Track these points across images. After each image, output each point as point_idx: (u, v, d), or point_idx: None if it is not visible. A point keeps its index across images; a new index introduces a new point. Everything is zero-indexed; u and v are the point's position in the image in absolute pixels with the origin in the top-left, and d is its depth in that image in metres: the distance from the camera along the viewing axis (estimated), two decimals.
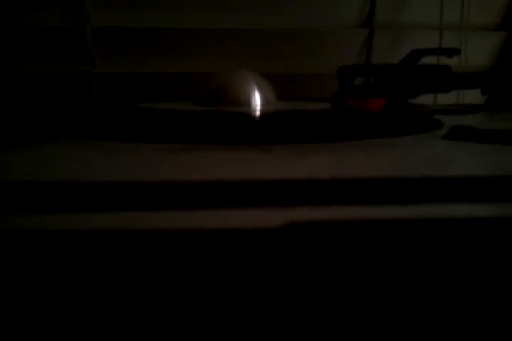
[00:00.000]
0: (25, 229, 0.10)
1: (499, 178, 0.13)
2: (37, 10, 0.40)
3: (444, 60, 0.33)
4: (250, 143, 0.18)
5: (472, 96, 0.43)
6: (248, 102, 0.27)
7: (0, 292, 0.10)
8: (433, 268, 0.10)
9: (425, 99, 0.40)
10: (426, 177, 0.13)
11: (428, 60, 0.31)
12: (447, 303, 0.11)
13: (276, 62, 0.43)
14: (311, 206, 0.11)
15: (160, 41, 0.42)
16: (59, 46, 0.41)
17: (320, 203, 0.11)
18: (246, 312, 0.10)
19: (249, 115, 0.25)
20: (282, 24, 0.43)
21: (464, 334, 0.11)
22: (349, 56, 0.44)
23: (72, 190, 0.12)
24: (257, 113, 0.26)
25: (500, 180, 0.13)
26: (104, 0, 0.41)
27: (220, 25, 0.42)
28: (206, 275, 0.10)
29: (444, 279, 0.11)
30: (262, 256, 0.10)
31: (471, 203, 0.11)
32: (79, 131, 0.22)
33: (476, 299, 0.11)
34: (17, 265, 0.10)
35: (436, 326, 0.11)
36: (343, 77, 0.28)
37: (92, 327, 0.10)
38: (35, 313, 0.10)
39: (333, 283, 0.10)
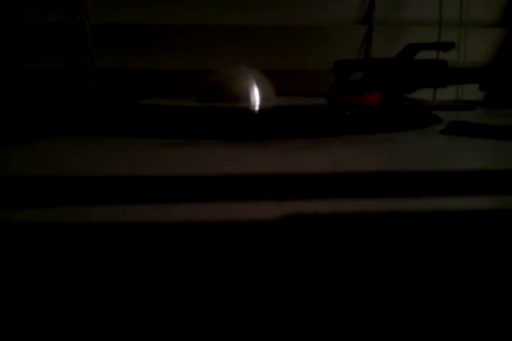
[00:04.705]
0: (25, 222, 0.10)
1: (496, 172, 0.13)
2: (36, 6, 0.40)
3: (444, 56, 0.33)
4: (249, 139, 0.18)
5: (471, 92, 0.43)
6: (247, 98, 0.27)
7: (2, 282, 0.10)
8: (429, 260, 0.11)
9: (424, 95, 0.40)
10: (423, 172, 0.13)
11: (428, 56, 0.31)
12: (444, 297, 0.11)
13: (277, 59, 0.43)
14: (308, 199, 0.11)
15: (159, 38, 0.42)
16: (58, 43, 0.41)
17: (317, 197, 0.11)
18: (243, 303, 0.10)
19: (248, 111, 0.25)
20: (282, 21, 0.43)
21: (464, 326, 0.11)
22: (349, 52, 0.44)
23: (70, 184, 0.12)
24: (256, 108, 0.26)
25: (497, 174, 0.13)
26: None
27: (221, 21, 0.42)
28: (204, 266, 0.10)
29: (441, 272, 0.11)
30: (259, 248, 0.10)
31: (468, 196, 0.11)
32: (78, 127, 0.22)
33: (477, 294, 0.11)
34: (9, 257, 0.10)
35: (434, 317, 0.11)
36: (339, 72, 0.28)
37: (89, 317, 0.10)
38: (34, 304, 0.10)
39: (328, 274, 0.10)
